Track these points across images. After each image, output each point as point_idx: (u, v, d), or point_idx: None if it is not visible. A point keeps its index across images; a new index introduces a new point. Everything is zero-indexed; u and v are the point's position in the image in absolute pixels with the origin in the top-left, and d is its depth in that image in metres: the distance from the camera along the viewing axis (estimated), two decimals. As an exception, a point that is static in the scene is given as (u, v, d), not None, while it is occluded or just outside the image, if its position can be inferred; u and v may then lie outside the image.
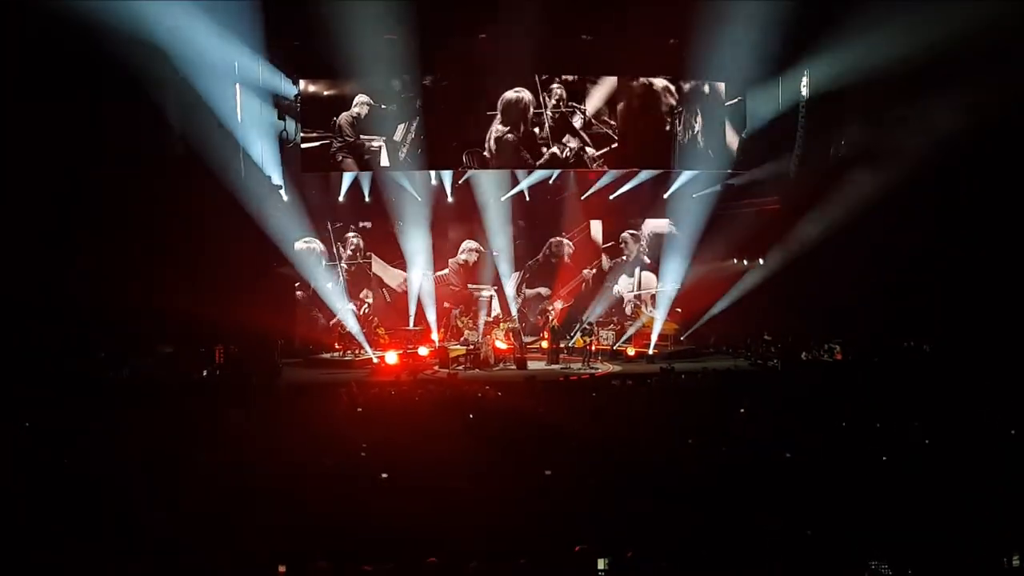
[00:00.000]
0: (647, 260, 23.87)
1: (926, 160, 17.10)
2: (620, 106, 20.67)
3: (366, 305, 22.71)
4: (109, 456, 8.52)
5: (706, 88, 20.83)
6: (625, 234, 23.77)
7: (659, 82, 20.65)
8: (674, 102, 20.80)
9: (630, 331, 22.08)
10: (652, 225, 23.60)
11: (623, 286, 23.92)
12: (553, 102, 20.41)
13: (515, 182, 22.60)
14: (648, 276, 23.88)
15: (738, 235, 21.99)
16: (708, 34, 18.60)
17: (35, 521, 6.48)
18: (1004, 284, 16.95)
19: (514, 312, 22.43)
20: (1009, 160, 16.78)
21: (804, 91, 20.32)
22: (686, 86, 20.74)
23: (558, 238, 23.72)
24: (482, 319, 22.03)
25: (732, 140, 21.10)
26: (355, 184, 21.85)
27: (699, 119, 20.76)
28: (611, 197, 22.98)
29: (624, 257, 23.81)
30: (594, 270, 23.71)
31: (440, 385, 14.91)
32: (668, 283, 22.77)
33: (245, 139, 19.29)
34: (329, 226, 22.33)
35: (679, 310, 23.07)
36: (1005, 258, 17.08)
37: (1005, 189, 16.95)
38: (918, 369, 15.83)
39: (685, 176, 22.22)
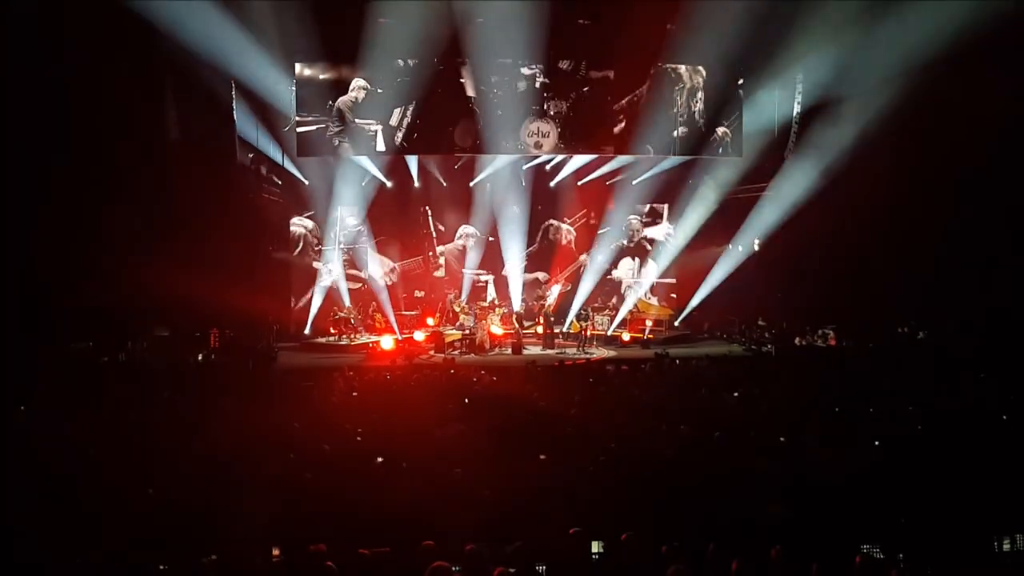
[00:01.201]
0: (648, 247, 23.91)
1: (921, 147, 17.17)
2: (617, 92, 20.58)
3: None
4: (104, 440, 8.54)
5: (704, 75, 20.73)
6: (631, 218, 23.77)
7: (656, 68, 20.55)
8: (672, 89, 20.70)
9: (622, 312, 22.15)
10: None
11: (623, 271, 23.93)
12: (549, 87, 20.36)
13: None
14: (649, 263, 23.90)
15: (734, 221, 22.03)
16: (706, 20, 18.56)
17: (29, 510, 6.48)
18: (999, 271, 17.00)
19: (513, 297, 22.46)
20: (1007, 148, 16.78)
21: (800, 78, 20.30)
22: (683, 73, 20.66)
23: (555, 222, 23.71)
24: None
25: (729, 127, 21.03)
26: (352, 168, 21.76)
27: (696, 106, 20.70)
28: (608, 183, 22.95)
29: (626, 242, 23.82)
30: (589, 255, 23.71)
31: (435, 370, 14.93)
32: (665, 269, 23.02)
33: (241, 122, 19.21)
34: (330, 208, 22.30)
35: (674, 295, 23.17)
36: (1001, 244, 17.12)
37: (1002, 177, 16.96)
38: (912, 355, 15.88)
39: (681, 162, 22.20)
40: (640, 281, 23.79)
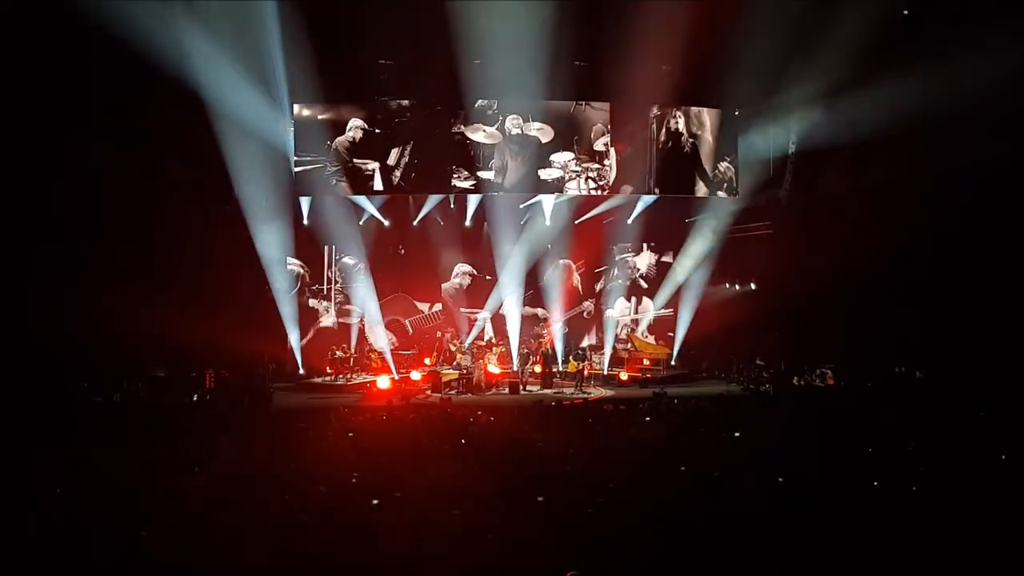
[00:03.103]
0: (644, 284, 23.89)
1: (916, 189, 17.32)
2: (612, 132, 20.75)
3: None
4: (98, 482, 8.46)
5: (699, 115, 20.94)
6: (626, 255, 23.80)
7: (652, 109, 20.76)
8: (667, 129, 20.89)
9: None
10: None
11: (618, 310, 23.88)
12: (546, 129, 20.51)
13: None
14: (645, 302, 23.87)
15: (730, 260, 22.07)
16: (702, 62, 18.78)
17: (25, 554, 6.41)
18: (996, 310, 17.01)
19: (513, 335, 22.34)
20: (1000, 190, 16.91)
21: (796, 120, 20.47)
22: (679, 113, 20.86)
23: (562, 261, 23.61)
24: (467, 341, 22.01)
25: (725, 167, 21.18)
26: (351, 208, 21.80)
27: (692, 146, 20.86)
28: (605, 222, 22.99)
29: (620, 280, 23.83)
30: (593, 302, 23.73)
31: (432, 410, 14.84)
32: (661, 308, 23.00)
33: (238, 163, 19.28)
34: (327, 247, 22.30)
35: (671, 334, 23.13)
36: (997, 284, 17.16)
37: (997, 218, 17.06)
38: (910, 394, 15.83)
39: (678, 200, 22.27)
40: (637, 318, 23.77)
